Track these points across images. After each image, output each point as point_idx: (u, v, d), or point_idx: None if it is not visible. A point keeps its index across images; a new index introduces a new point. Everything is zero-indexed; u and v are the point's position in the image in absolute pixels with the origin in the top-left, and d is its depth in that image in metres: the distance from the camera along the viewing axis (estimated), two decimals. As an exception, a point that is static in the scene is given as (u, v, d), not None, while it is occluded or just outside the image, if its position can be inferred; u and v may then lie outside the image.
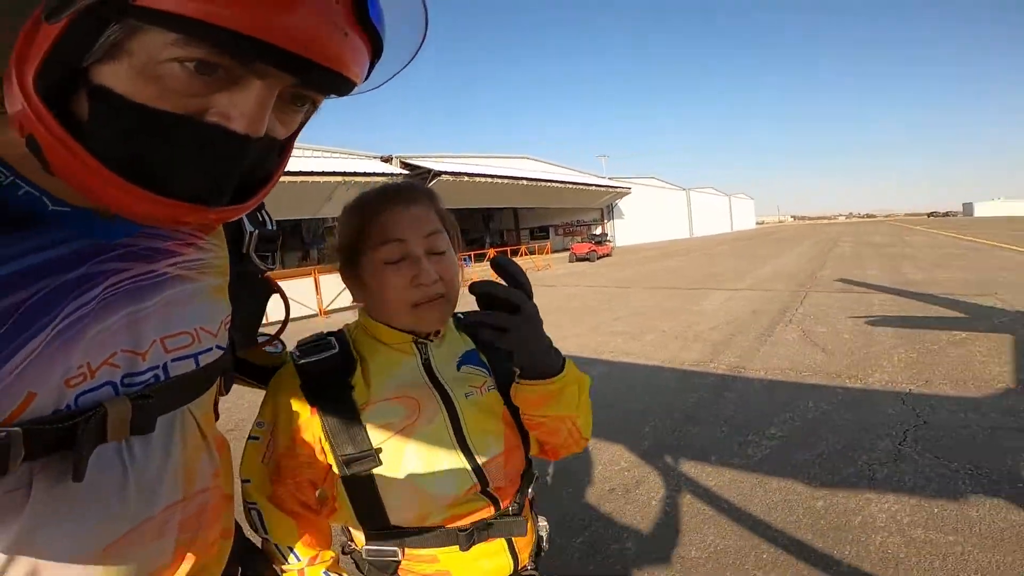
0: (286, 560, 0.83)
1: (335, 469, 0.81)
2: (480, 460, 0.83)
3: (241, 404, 3.89)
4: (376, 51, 0.52)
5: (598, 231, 34.05)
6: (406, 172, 20.18)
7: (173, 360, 0.59)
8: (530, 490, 0.95)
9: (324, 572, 0.84)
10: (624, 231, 36.77)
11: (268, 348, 0.92)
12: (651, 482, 3.00)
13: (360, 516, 0.83)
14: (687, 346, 6.09)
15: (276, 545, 0.83)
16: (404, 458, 0.80)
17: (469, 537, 0.83)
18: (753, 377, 4.75)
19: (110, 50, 0.43)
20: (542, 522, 1.01)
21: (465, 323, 0.93)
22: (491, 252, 19.92)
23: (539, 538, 0.97)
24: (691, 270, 15.51)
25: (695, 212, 55.05)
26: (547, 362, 0.76)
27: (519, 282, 0.72)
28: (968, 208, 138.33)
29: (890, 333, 5.98)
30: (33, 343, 0.47)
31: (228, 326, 0.67)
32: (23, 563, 0.48)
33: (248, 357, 0.88)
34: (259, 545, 0.86)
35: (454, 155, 24.65)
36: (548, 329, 0.76)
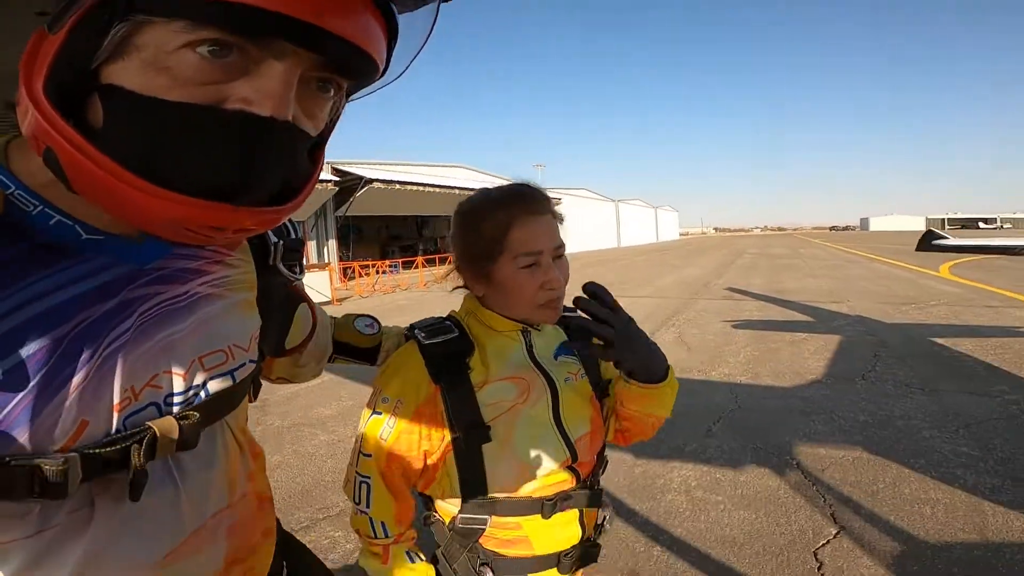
0: (375, 535, 0.90)
1: (448, 441, 0.89)
2: (572, 437, 0.93)
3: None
4: (391, 34, 0.51)
5: (529, 240, 35.03)
6: (337, 179, 19.97)
7: (211, 378, 0.60)
8: (601, 470, 1.03)
9: (406, 552, 0.92)
10: (554, 240, 37.88)
11: (366, 330, 1.01)
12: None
13: (463, 485, 0.90)
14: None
15: (370, 519, 0.90)
16: (514, 433, 0.89)
17: (553, 506, 0.91)
18: (623, 374, 5.41)
19: (117, 47, 0.42)
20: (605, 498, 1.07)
21: (567, 326, 1.02)
22: (419, 260, 20.06)
23: (602, 517, 1.03)
24: (606, 279, 16.36)
25: (623, 223, 57.70)
26: (652, 368, 0.88)
27: (607, 303, 0.84)
28: (865, 223, 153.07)
29: (747, 335, 6.92)
30: (80, 375, 0.48)
31: (257, 339, 0.68)
32: None
33: (349, 340, 0.99)
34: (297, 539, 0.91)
35: (387, 163, 24.61)
36: None
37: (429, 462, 0.92)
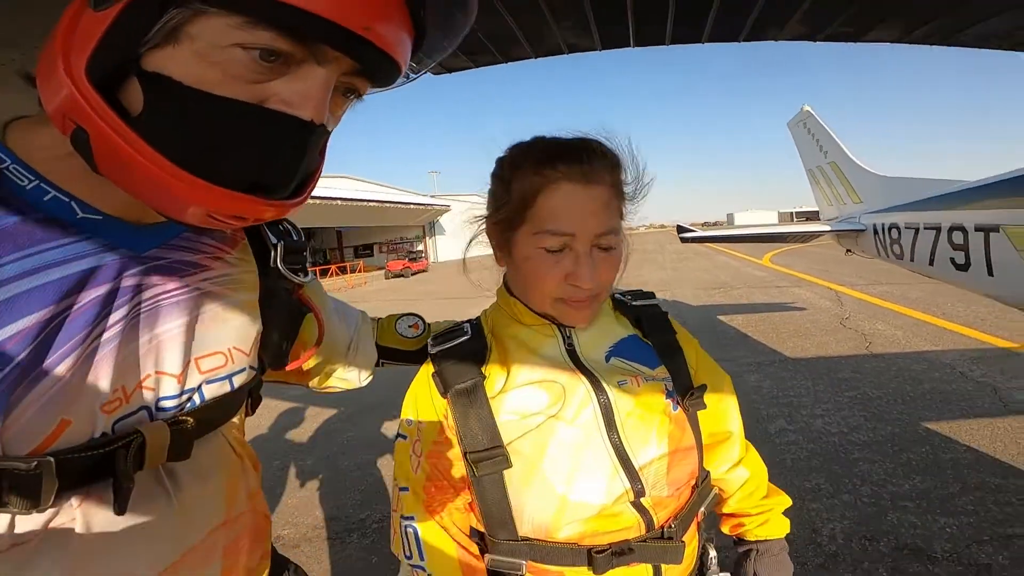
0: None
1: (463, 468, 0.71)
2: (636, 462, 0.70)
3: None
4: (417, 44, 0.51)
5: (420, 247, 35.38)
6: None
7: (208, 382, 0.56)
8: (702, 509, 0.79)
9: None
10: (446, 247, 38.36)
11: (409, 332, 0.92)
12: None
13: (487, 520, 0.71)
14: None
15: None
16: (545, 455, 0.69)
17: (608, 560, 0.68)
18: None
19: (168, 35, 0.41)
20: (711, 552, 0.82)
21: (637, 318, 0.81)
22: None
23: (701, 571, 0.80)
24: (484, 283, 17.20)
25: (516, 226, 59.21)
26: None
27: None
28: (731, 218, 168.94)
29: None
30: (63, 365, 0.44)
31: (258, 344, 0.64)
32: None
33: (393, 344, 0.91)
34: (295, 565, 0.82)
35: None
36: None
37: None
